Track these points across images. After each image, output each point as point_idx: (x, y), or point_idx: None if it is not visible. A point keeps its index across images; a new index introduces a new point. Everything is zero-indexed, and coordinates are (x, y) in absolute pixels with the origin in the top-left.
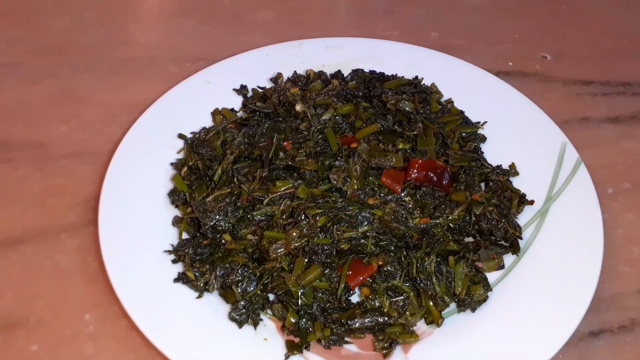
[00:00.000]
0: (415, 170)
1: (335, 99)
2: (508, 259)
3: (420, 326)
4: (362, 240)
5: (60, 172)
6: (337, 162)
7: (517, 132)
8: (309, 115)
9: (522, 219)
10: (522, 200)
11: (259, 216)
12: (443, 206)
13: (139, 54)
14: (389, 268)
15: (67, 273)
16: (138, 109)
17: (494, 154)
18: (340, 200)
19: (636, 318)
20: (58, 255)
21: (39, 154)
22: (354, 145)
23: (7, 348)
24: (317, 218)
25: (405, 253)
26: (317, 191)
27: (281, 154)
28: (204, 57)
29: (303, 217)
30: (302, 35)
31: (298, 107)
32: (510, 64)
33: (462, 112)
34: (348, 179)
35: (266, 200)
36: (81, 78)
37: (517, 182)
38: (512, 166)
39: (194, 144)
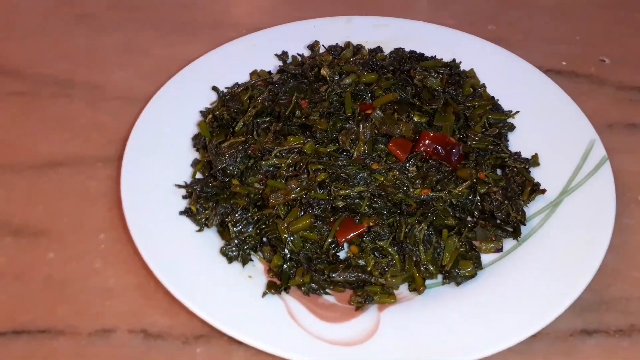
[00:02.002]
0: (425, 142)
1: (361, 67)
2: (509, 244)
3: (403, 291)
4: (357, 200)
5: (109, 111)
6: (348, 125)
7: (546, 125)
8: (329, 79)
9: (533, 208)
10: (534, 189)
11: (266, 166)
12: (446, 180)
13: (202, 18)
14: (378, 229)
15: (94, 197)
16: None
17: (520, 143)
18: (342, 158)
19: (637, 324)
20: (90, 180)
21: (94, 93)
22: (369, 112)
23: (30, 251)
24: (317, 173)
25: (397, 219)
26: (323, 150)
27: (297, 112)
28: (262, 27)
29: (305, 171)
30: (357, 14)
31: (324, 71)
32: (564, 63)
33: (493, 99)
34: (356, 142)
35: (275, 152)
36: (145, 33)
37: (536, 171)
38: (535, 157)
39: (225, 97)
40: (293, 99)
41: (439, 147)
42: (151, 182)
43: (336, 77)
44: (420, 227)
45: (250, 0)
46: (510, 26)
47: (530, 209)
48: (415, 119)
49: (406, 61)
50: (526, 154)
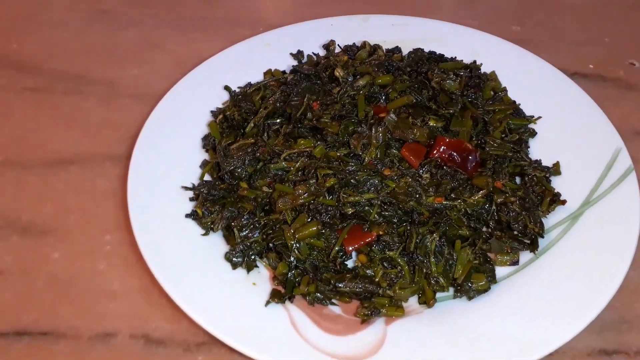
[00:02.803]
0: (440, 148)
1: (376, 69)
2: (525, 257)
3: (412, 304)
4: (367, 208)
5: (122, 108)
6: (360, 129)
7: (570, 131)
8: (342, 80)
9: (552, 219)
10: (554, 199)
11: (275, 170)
12: (461, 189)
13: (219, 15)
14: (388, 239)
15: (103, 196)
16: None
17: (542, 149)
18: (351, 164)
19: None
20: (99, 179)
21: (108, 90)
22: (383, 115)
23: (35, 250)
24: (326, 179)
25: (408, 228)
26: (334, 154)
27: (309, 115)
28: (278, 25)
29: (314, 176)
30: (379, 12)
31: (337, 72)
32: (591, 66)
33: (514, 103)
34: (368, 147)
35: (284, 155)
36: (162, 30)
37: (556, 181)
38: (557, 165)
39: (237, 97)
40: (305, 100)
41: (455, 154)
42: (158, 183)
43: (350, 79)
44: (432, 237)
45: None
46: (535, 27)
47: (550, 220)
48: (431, 123)
49: (424, 62)
50: (547, 161)
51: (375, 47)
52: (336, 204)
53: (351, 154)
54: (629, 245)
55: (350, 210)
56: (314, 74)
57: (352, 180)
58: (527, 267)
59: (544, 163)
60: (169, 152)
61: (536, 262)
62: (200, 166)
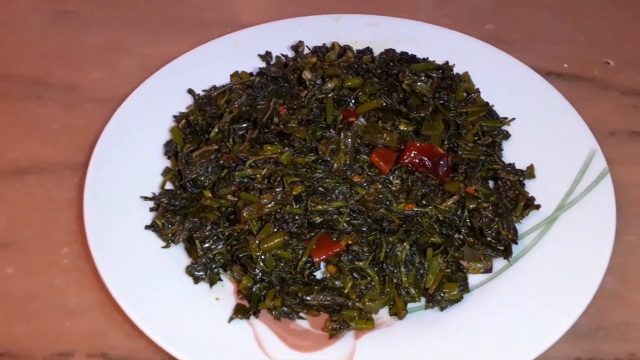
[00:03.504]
0: (410, 153)
1: (345, 71)
2: (499, 263)
3: (383, 316)
4: (335, 216)
5: (83, 114)
6: (328, 134)
7: (544, 133)
8: (309, 84)
9: (527, 224)
10: (528, 204)
11: (240, 177)
12: (432, 195)
13: (188, 15)
14: (357, 248)
15: (60, 207)
16: None
17: (516, 152)
18: (320, 171)
19: (637, 353)
20: (57, 189)
21: (68, 96)
22: (352, 119)
23: None
24: (293, 186)
25: (378, 236)
26: (301, 160)
27: (275, 119)
28: (247, 24)
29: (280, 184)
30: (351, 11)
31: (305, 75)
32: (566, 65)
33: (488, 104)
34: (337, 152)
35: (249, 162)
36: (128, 31)
37: (531, 185)
38: (530, 168)
39: (201, 101)
40: (271, 104)
41: (426, 159)
42: (117, 193)
43: (318, 81)
44: (402, 246)
45: None
46: (509, 26)
47: (523, 225)
48: (402, 127)
49: (395, 64)
50: (521, 164)
51: (345, 48)
52: (303, 213)
53: (319, 160)
54: (604, 251)
55: (318, 219)
56: (281, 76)
57: (320, 188)
58: (500, 275)
59: (518, 166)
60: (129, 160)
61: (510, 269)
62: (162, 174)
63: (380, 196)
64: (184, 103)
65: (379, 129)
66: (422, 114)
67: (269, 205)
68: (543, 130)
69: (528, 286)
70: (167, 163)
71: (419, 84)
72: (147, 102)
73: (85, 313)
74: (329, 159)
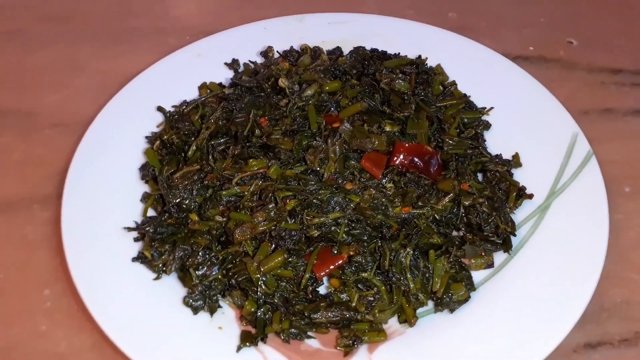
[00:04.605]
0: (400, 155)
1: (322, 75)
2: (499, 257)
3: (393, 324)
4: (334, 228)
5: (44, 142)
6: (315, 142)
7: (524, 120)
8: (289, 91)
9: (520, 214)
10: (521, 194)
11: (227, 196)
12: (427, 195)
13: (142, 25)
14: (360, 259)
15: (34, 245)
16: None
17: (499, 142)
18: (312, 182)
19: None
20: (28, 226)
21: (26, 123)
22: (336, 125)
23: None
24: (286, 201)
25: (379, 244)
26: (290, 173)
27: (257, 132)
28: (206, 31)
29: (272, 200)
30: (312, 9)
31: (281, 82)
32: (531, 48)
33: (465, 96)
34: (326, 161)
35: (236, 180)
36: (81, 47)
37: (519, 174)
38: (516, 157)
39: (173, 118)
40: (251, 117)
41: (416, 159)
42: (96, 225)
43: (296, 88)
44: (406, 252)
45: (187, 3)
46: (471, 13)
47: (518, 215)
48: (387, 128)
49: (370, 62)
50: (505, 154)
51: (317, 51)
52: (300, 228)
53: (308, 171)
54: (601, 232)
55: (316, 233)
56: (255, 85)
57: (314, 200)
58: (503, 269)
59: (503, 156)
60: (104, 188)
61: (511, 262)
62: (141, 200)
63: (376, 201)
64: (153, 121)
65: (366, 133)
66: (406, 113)
67: (263, 223)
68: (523, 117)
69: (534, 277)
70: (145, 187)
71: (397, 81)
72: (114, 124)
73: (78, 357)
74: (318, 168)
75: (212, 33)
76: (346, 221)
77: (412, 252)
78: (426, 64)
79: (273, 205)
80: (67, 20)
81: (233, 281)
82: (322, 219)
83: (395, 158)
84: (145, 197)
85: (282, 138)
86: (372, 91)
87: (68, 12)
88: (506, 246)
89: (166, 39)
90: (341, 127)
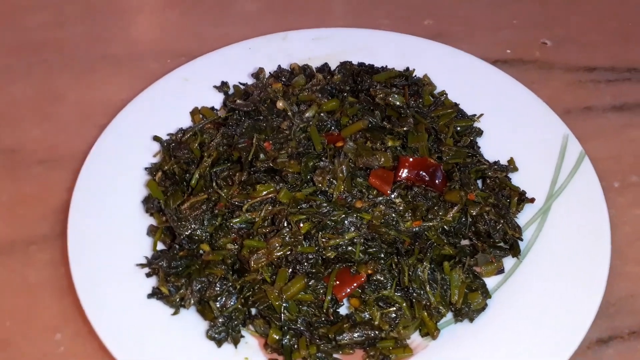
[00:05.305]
0: (405, 170)
1: (320, 95)
2: (508, 262)
3: (415, 339)
4: (350, 248)
5: (33, 179)
6: (321, 163)
7: (515, 125)
8: (291, 113)
9: (522, 218)
10: (522, 199)
11: (238, 224)
12: (436, 207)
13: (119, 51)
14: (379, 277)
15: (37, 288)
16: (116, 108)
17: (492, 148)
18: (325, 204)
19: None
20: (27, 269)
21: (10, 161)
22: (339, 144)
23: None
24: (301, 225)
25: (396, 260)
26: (301, 195)
27: (261, 156)
28: (186, 53)
29: (285, 224)
30: (289, 26)
31: (280, 105)
32: (509, 51)
33: (456, 105)
34: (334, 181)
35: (245, 207)
36: (57, 77)
37: (516, 179)
38: (511, 161)
39: (171, 147)
40: (254, 141)
41: (422, 173)
42: (106, 263)
43: (294, 109)
44: (423, 266)
45: (168, 24)
46: (447, 19)
47: (520, 220)
48: (389, 143)
49: (361, 77)
50: (498, 159)
51: (306, 69)
52: (316, 250)
53: (317, 192)
54: (604, 229)
55: (332, 254)
56: (253, 109)
57: (328, 222)
58: (513, 274)
59: (497, 160)
60: (108, 225)
61: (521, 267)
62: (148, 234)
63: (387, 217)
64: (149, 151)
65: (370, 150)
66: (406, 127)
67: (279, 249)
68: (512, 121)
69: (545, 278)
70: (150, 220)
71: (392, 95)
72: (110, 157)
73: None
74: (326, 189)
75: (193, 54)
76: (362, 240)
77: (429, 265)
78: (414, 75)
79: (287, 229)
80: (38, 50)
81: (254, 310)
82: (337, 240)
83: (401, 172)
84: (151, 231)
85: (289, 161)
86: (372, 108)
87: (37, 41)
88: (514, 251)
89: (147, 64)
90: (345, 146)
